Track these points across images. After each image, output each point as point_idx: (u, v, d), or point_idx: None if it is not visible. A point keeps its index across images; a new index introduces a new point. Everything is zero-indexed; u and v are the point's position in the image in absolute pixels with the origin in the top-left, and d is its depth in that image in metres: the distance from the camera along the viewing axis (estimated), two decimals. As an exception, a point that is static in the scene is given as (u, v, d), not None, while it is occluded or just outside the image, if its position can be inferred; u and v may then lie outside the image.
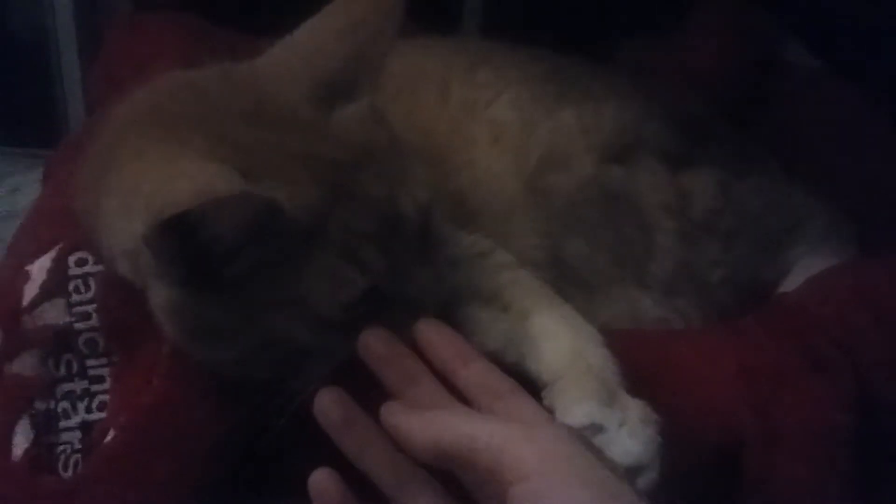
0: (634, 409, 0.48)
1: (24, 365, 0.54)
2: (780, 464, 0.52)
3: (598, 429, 0.47)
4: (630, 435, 0.47)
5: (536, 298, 0.56)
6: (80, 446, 0.53)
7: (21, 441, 0.53)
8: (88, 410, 0.54)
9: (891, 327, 0.55)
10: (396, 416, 0.45)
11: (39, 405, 0.54)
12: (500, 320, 0.55)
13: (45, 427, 0.53)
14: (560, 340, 0.52)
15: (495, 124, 0.68)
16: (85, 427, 0.54)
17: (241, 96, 0.50)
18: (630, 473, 0.46)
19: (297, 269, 0.46)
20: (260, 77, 0.51)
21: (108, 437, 0.52)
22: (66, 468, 0.52)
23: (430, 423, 0.42)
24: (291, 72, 0.50)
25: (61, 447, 0.53)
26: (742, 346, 0.57)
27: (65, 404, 0.54)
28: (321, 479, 0.46)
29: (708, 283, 0.67)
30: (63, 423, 0.54)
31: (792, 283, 0.67)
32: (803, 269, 0.68)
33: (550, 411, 0.48)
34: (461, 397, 0.46)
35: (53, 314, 0.54)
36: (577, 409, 0.48)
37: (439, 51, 0.74)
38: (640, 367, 0.56)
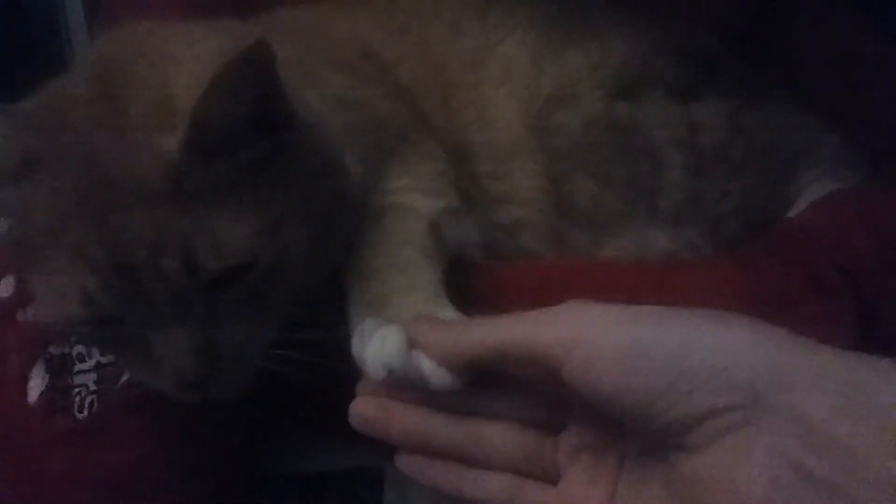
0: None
1: (40, 311, 0.55)
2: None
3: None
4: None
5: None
6: (95, 388, 0.54)
7: (36, 385, 0.54)
8: (103, 353, 0.55)
9: (891, 251, 0.55)
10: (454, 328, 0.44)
11: (54, 350, 0.55)
12: None
13: (60, 370, 0.55)
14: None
15: (506, 62, 0.67)
16: (100, 369, 0.55)
17: None
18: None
19: None
20: None
21: (124, 378, 0.53)
22: (81, 410, 0.54)
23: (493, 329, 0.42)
24: None
25: (76, 390, 0.54)
26: (744, 271, 0.57)
27: (80, 348, 0.55)
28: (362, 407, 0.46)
29: (718, 214, 0.67)
30: (78, 367, 0.55)
31: (798, 209, 0.66)
32: (810, 195, 0.67)
33: None
34: None
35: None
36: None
37: None
38: (640, 297, 0.56)
